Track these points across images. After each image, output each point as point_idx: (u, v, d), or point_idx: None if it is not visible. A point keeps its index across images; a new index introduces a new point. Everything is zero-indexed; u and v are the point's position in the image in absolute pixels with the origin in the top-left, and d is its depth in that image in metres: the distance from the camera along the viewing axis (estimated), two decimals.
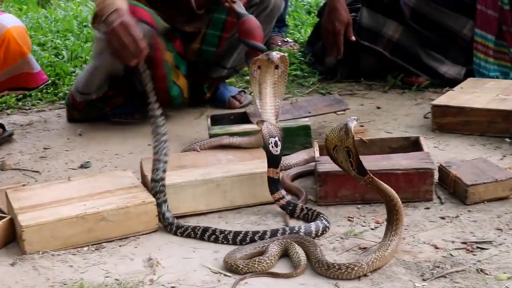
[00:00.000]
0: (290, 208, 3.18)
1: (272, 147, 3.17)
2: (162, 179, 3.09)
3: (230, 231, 2.98)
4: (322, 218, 3.07)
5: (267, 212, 3.20)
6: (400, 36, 4.59)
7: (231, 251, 2.83)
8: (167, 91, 4.33)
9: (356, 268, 2.64)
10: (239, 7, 4.01)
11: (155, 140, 3.15)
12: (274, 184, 3.18)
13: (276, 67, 3.32)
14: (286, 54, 3.29)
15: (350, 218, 3.10)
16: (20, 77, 4.13)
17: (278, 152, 3.17)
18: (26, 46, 4.09)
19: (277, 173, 3.18)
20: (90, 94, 4.30)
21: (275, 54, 3.28)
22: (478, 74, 4.46)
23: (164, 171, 3.11)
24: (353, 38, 4.44)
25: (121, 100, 4.48)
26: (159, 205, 3.06)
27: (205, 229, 3.00)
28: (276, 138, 3.17)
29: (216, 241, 2.97)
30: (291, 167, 3.54)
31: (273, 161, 3.18)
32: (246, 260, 2.75)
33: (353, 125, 2.73)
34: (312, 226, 3.00)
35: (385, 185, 2.75)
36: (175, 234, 3.03)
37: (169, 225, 3.06)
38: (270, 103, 3.36)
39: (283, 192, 3.18)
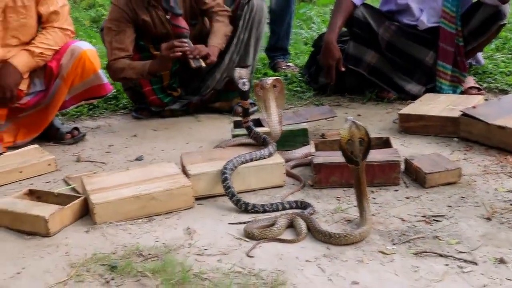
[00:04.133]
0: (249, 130, 3.43)
1: (242, 85, 3.38)
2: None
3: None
4: (270, 143, 3.31)
5: (275, 193, 3.20)
6: (376, 62, 4.59)
7: (249, 223, 2.84)
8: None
9: (351, 237, 2.64)
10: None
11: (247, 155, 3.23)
12: (245, 111, 3.44)
13: (274, 86, 3.36)
14: (280, 77, 3.37)
15: (338, 198, 3.10)
16: (92, 89, 4.15)
17: (246, 89, 3.38)
18: (97, 64, 4.11)
19: (246, 104, 3.42)
20: None
21: (267, 80, 3.34)
22: (438, 92, 4.46)
23: (232, 169, 3.13)
24: (343, 69, 4.47)
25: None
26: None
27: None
28: (245, 80, 3.38)
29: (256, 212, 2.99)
30: (294, 159, 3.54)
31: (244, 95, 3.40)
32: (260, 229, 2.76)
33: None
34: (266, 150, 3.25)
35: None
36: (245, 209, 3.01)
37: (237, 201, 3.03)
38: (274, 113, 3.40)
39: (249, 118, 3.44)
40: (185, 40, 4.13)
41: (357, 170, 2.75)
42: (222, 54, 4.44)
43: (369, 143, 2.74)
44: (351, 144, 2.74)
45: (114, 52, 4.30)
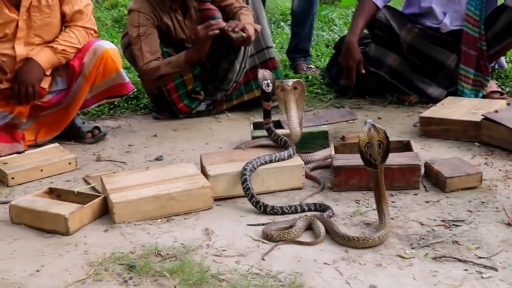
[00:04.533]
0: (269, 131, 3.41)
1: (265, 86, 3.36)
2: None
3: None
4: (290, 146, 3.32)
5: (294, 195, 3.20)
6: (398, 64, 4.57)
7: (267, 225, 2.84)
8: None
9: (370, 240, 2.64)
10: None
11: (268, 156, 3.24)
12: (266, 113, 3.40)
13: (295, 88, 3.35)
14: (301, 79, 3.34)
15: (357, 201, 3.09)
16: (114, 87, 4.17)
17: (270, 90, 3.35)
18: (119, 63, 4.13)
19: (268, 105, 3.39)
20: None
21: (288, 82, 3.33)
22: (460, 95, 4.43)
23: (252, 170, 3.15)
24: (363, 71, 4.45)
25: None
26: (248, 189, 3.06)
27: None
28: (269, 81, 3.36)
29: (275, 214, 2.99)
30: (314, 161, 3.54)
31: (266, 96, 3.38)
32: (279, 231, 2.76)
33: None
34: (286, 152, 3.27)
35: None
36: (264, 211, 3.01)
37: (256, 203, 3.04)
38: (294, 115, 3.39)
39: (270, 119, 3.41)
40: (219, 19, 4.16)
41: (376, 173, 2.75)
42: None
43: (388, 146, 2.73)
44: (370, 147, 2.73)
45: (146, 56, 4.30)
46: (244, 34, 4.13)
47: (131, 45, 4.38)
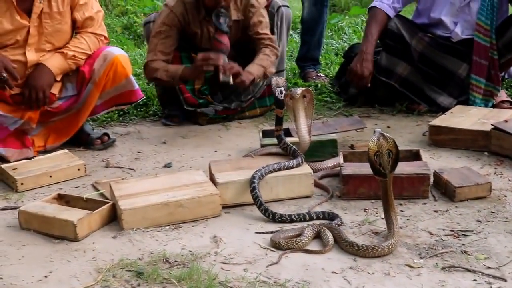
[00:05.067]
0: (279, 139, 3.42)
1: (278, 94, 3.38)
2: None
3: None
4: (299, 155, 3.32)
5: (303, 203, 3.19)
6: (408, 73, 4.56)
7: (276, 233, 2.83)
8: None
9: (379, 250, 2.63)
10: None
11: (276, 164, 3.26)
12: (278, 120, 3.43)
13: (304, 96, 3.36)
14: (310, 87, 3.33)
15: (365, 210, 3.09)
16: (124, 94, 4.17)
17: (283, 97, 3.37)
18: (128, 69, 4.14)
19: (281, 112, 3.42)
20: None
21: (297, 90, 3.32)
22: (471, 105, 4.42)
23: (260, 178, 3.15)
24: (369, 85, 4.46)
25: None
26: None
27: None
28: (282, 88, 3.38)
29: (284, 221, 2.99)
30: (323, 170, 3.54)
31: (279, 103, 3.40)
32: (287, 239, 2.75)
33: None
34: (295, 161, 3.28)
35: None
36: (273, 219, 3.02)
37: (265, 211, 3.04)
38: (303, 124, 3.39)
39: (281, 127, 3.43)
40: (222, 55, 4.16)
41: (385, 182, 2.75)
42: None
43: (397, 155, 2.74)
44: (379, 156, 2.73)
45: (156, 53, 4.35)
46: (231, 81, 4.15)
47: (151, 33, 4.45)
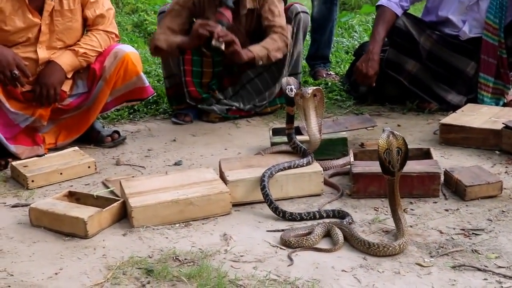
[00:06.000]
0: (290, 138, 3.42)
1: (288, 91, 3.37)
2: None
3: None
4: (308, 154, 3.32)
5: (313, 202, 3.19)
6: (417, 71, 4.54)
7: (286, 231, 2.83)
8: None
9: (390, 248, 2.63)
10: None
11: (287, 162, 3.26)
12: (289, 118, 3.42)
13: (314, 95, 3.35)
14: (320, 86, 3.32)
15: (376, 208, 3.08)
16: (134, 91, 4.18)
17: (293, 95, 3.36)
18: (139, 67, 4.15)
19: (292, 110, 3.40)
20: None
21: (307, 89, 3.32)
22: (480, 103, 4.41)
23: (270, 176, 3.15)
24: (374, 85, 4.46)
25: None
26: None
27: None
28: (292, 86, 3.37)
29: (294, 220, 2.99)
30: (333, 168, 3.53)
31: (289, 101, 3.39)
32: (297, 238, 2.75)
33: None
34: (305, 159, 3.27)
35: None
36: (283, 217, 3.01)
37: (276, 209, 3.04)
38: (314, 122, 3.39)
39: (293, 125, 3.42)
40: (220, 26, 4.17)
41: (392, 181, 2.74)
42: (280, 67, 4.51)
43: (406, 153, 2.73)
44: (389, 154, 2.73)
45: (163, 28, 4.38)
46: (222, 47, 4.13)
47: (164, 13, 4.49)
